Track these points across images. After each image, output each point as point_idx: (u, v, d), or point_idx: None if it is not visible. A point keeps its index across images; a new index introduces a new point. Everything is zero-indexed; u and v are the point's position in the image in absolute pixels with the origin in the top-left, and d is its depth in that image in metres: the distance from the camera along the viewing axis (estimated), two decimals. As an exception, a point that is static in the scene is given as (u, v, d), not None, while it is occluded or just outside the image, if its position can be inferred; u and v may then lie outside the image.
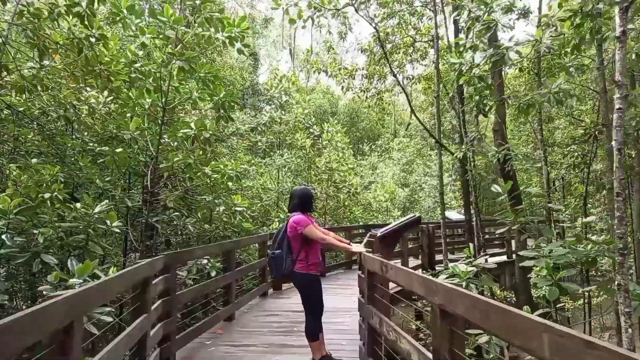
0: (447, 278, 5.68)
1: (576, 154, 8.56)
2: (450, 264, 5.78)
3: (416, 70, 13.51)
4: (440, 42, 11.86)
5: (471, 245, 5.32)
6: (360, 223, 15.25)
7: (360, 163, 19.28)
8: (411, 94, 27.77)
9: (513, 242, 14.75)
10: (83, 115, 6.65)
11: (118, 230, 4.99)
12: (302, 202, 4.62)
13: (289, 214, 4.73)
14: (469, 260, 5.56)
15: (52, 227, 4.48)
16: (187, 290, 5.26)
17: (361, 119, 30.67)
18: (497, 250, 15.13)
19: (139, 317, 3.80)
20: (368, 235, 7.55)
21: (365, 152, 24.97)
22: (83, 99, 6.27)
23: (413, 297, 8.97)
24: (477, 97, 5.21)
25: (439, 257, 12.11)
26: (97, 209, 4.83)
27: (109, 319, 4.24)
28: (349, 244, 5.11)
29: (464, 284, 4.97)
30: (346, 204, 14.67)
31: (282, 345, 5.47)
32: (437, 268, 11.71)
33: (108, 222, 4.95)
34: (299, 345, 5.45)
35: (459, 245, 15.13)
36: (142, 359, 3.92)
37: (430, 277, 2.65)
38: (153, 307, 4.32)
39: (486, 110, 5.44)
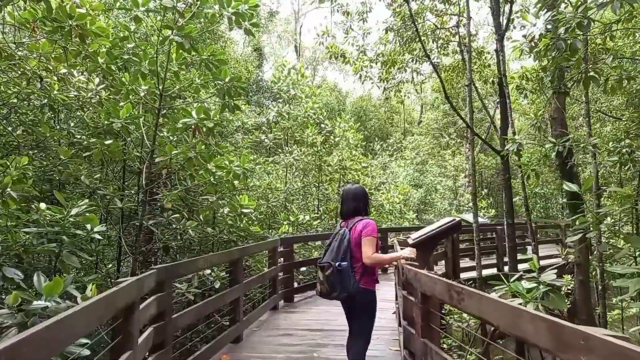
0: (501, 296, 4.69)
1: (624, 150, 7.52)
2: (483, 272, 4.80)
3: (435, 61, 12.41)
4: (463, 29, 10.89)
5: (534, 256, 4.32)
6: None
7: (371, 163, 18.28)
8: (422, 89, 26.83)
9: (529, 248, 13.62)
10: (54, 90, 5.61)
11: (99, 237, 4.02)
12: (360, 202, 3.78)
13: (342, 219, 3.83)
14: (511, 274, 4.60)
15: (11, 233, 3.51)
16: (186, 311, 4.27)
17: (369, 117, 29.62)
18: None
19: (120, 356, 2.83)
20: (396, 241, 6.59)
21: (376, 151, 23.97)
22: (52, 68, 5.26)
23: (443, 311, 8.01)
24: (551, 71, 4.24)
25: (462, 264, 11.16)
26: (73, 211, 3.86)
27: (87, 352, 3.28)
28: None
29: (530, 306, 3.97)
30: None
31: (301, 378, 4.49)
32: (461, 276, 10.77)
33: (88, 226, 3.98)
34: (322, 378, 4.47)
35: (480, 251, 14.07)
36: (125, 408, 2.95)
37: (572, 324, 1.66)
38: (142, 338, 3.35)
39: (569, 86, 4.47)
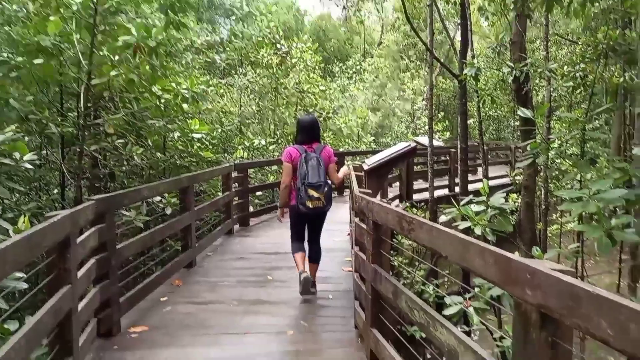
0: (450, 219, 4.79)
1: (577, 74, 7.57)
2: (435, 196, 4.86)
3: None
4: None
5: (485, 180, 4.36)
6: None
7: (330, 85, 17.86)
8: (383, 8, 25.93)
9: (480, 170, 13.85)
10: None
11: (29, 166, 3.72)
12: (317, 130, 4.54)
13: (303, 145, 4.43)
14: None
15: None
16: (131, 242, 4.12)
17: (329, 38, 28.60)
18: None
19: (57, 291, 2.69)
20: (351, 166, 6.53)
21: (335, 74, 23.41)
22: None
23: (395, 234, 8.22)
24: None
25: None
26: (-2, 138, 3.51)
27: (24, 285, 3.11)
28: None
29: (477, 229, 4.05)
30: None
31: (255, 302, 4.52)
32: (414, 197, 11.04)
33: (17, 155, 3.66)
34: (276, 301, 4.52)
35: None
36: (68, 341, 2.86)
37: (519, 257, 1.63)
38: (83, 270, 3.20)
39: (532, 8, 4.29)
